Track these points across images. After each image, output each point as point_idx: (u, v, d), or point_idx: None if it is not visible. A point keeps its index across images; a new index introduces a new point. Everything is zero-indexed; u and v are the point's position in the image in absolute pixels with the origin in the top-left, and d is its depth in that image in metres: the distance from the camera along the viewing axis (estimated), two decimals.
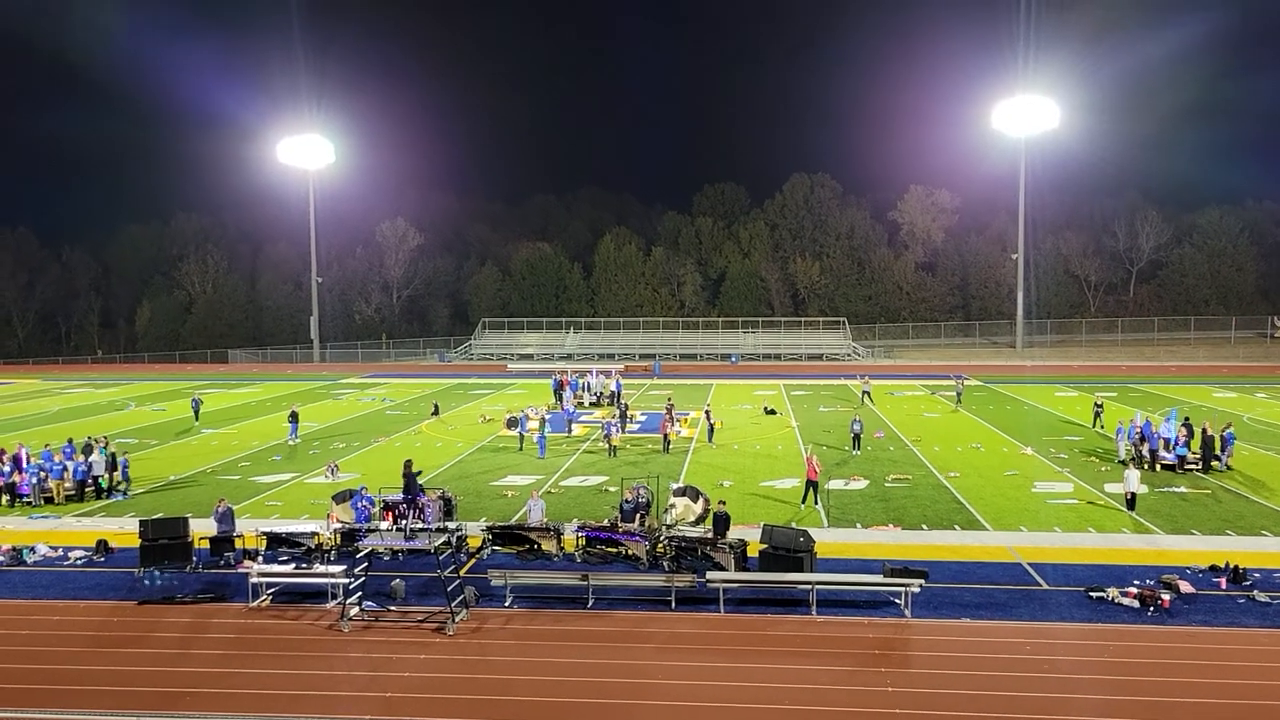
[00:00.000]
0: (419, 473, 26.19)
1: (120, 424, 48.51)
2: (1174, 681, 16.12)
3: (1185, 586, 20.07)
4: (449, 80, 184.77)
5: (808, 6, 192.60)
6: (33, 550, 24.02)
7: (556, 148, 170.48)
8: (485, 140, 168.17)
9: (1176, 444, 33.17)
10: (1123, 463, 32.87)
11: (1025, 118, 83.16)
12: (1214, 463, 32.56)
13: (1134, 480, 27.30)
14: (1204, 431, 33.25)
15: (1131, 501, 27.05)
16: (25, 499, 30.04)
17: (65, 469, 30.94)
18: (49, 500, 30.08)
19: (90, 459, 31.86)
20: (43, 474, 30.46)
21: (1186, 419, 35.39)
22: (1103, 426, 41.06)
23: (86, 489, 30.96)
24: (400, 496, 22.81)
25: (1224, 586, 20.44)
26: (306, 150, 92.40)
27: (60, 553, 24.10)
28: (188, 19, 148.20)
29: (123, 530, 25.62)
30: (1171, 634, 18.06)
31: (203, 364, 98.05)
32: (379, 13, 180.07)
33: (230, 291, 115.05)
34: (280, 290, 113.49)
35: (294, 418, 42.98)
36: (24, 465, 31.45)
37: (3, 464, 31.03)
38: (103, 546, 24.11)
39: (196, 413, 48.96)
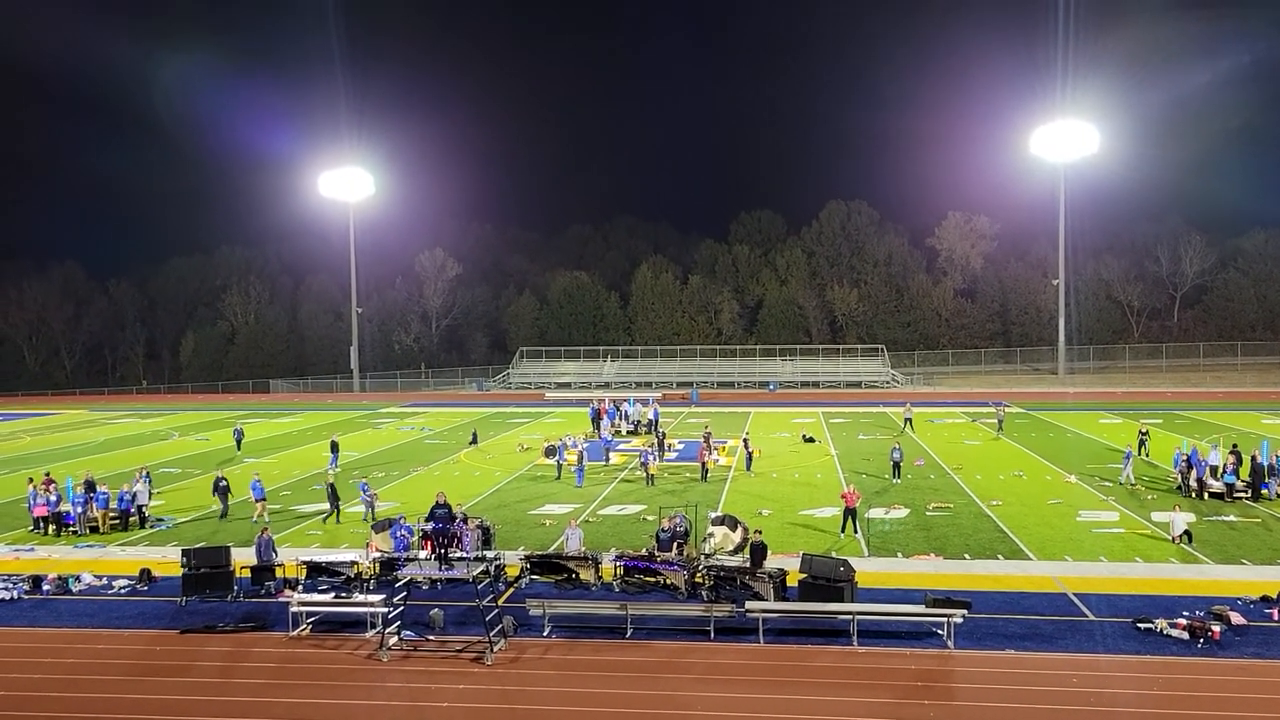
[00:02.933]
0: (450, 507, 26.39)
1: (164, 454, 49.13)
2: (1225, 715, 15.75)
3: (1236, 618, 19.61)
4: (486, 112, 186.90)
5: (844, 34, 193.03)
6: (78, 579, 24.31)
7: (593, 177, 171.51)
8: (522, 171, 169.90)
9: (1225, 471, 32.57)
10: (1177, 488, 32.45)
11: (1064, 143, 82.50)
12: (1264, 490, 31.94)
13: (1180, 524, 26.64)
14: (1253, 459, 32.65)
15: (1187, 538, 26.42)
16: (71, 528, 30.48)
17: (109, 498, 31.34)
18: (94, 529, 30.49)
19: (135, 488, 32.25)
20: (90, 504, 30.90)
21: (1235, 446, 34.74)
22: (1148, 454, 40.38)
23: (130, 518, 31.35)
24: (431, 526, 22.91)
25: (1276, 618, 19.96)
26: (347, 183, 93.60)
27: (104, 581, 24.39)
28: (231, 57, 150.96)
29: (165, 559, 25.86)
30: (1223, 667, 17.65)
31: (245, 394, 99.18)
32: (417, 47, 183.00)
33: (272, 322, 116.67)
34: (321, 321, 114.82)
35: (334, 447, 43.36)
36: (71, 495, 31.87)
37: (49, 494, 31.49)
38: (146, 575, 24.39)
39: (239, 443, 49.54)
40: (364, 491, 32.11)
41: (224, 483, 33.14)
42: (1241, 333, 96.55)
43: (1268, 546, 25.94)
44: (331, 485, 32.12)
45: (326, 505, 32.25)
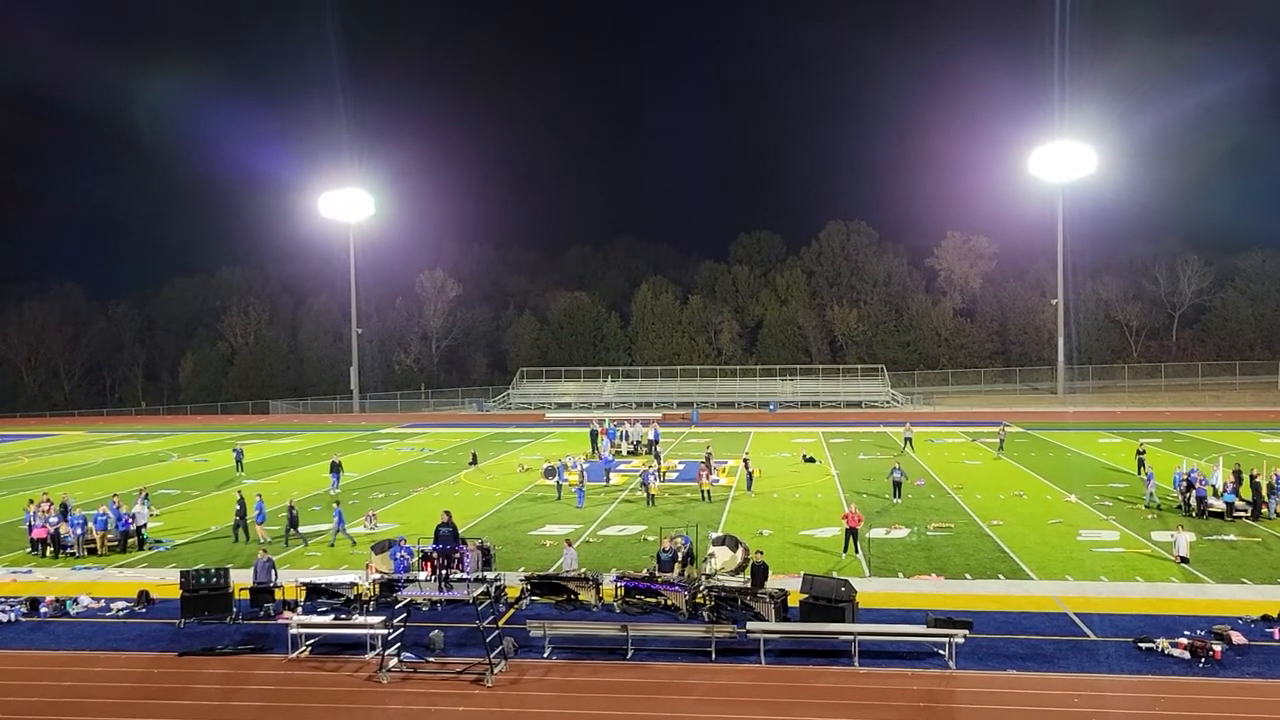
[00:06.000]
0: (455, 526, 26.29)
1: (163, 475, 49.05)
2: None
3: (1237, 637, 19.59)
4: (486, 132, 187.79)
5: (843, 55, 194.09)
6: (76, 601, 24.24)
7: (593, 198, 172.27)
8: (523, 191, 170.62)
9: (1225, 490, 32.55)
10: (1178, 508, 32.39)
11: (1062, 163, 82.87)
12: (1264, 510, 31.90)
13: (1183, 544, 26.64)
14: (1253, 478, 32.62)
15: (1184, 560, 26.36)
16: (69, 550, 30.38)
17: (108, 519, 31.26)
18: (92, 551, 30.41)
19: (134, 510, 32.18)
20: (88, 525, 30.82)
21: (1237, 466, 34.71)
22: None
23: (130, 540, 31.26)
24: (433, 546, 22.90)
25: (1277, 637, 19.92)
26: (347, 204, 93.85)
27: (103, 604, 24.30)
28: (231, 79, 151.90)
29: (164, 581, 25.78)
30: (1224, 686, 17.60)
31: (244, 415, 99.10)
32: (418, 68, 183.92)
33: (272, 343, 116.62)
34: (321, 341, 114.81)
35: (336, 468, 43.19)
36: (69, 516, 31.78)
37: (49, 514, 31.41)
38: (144, 597, 24.31)
39: (239, 463, 49.38)
40: (337, 518, 31.44)
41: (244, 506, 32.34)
42: (1240, 352, 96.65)
43: (1268, 566, 25.90)
44: (291, 507, 31.60)
45: (322, 526, 32.09)
